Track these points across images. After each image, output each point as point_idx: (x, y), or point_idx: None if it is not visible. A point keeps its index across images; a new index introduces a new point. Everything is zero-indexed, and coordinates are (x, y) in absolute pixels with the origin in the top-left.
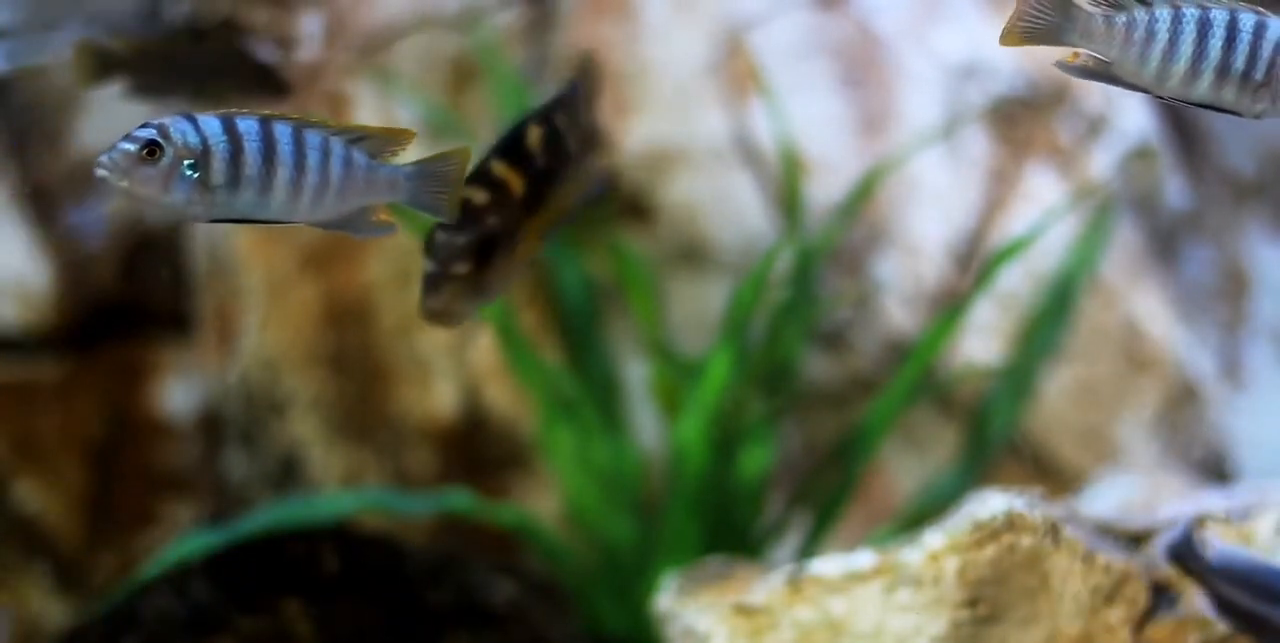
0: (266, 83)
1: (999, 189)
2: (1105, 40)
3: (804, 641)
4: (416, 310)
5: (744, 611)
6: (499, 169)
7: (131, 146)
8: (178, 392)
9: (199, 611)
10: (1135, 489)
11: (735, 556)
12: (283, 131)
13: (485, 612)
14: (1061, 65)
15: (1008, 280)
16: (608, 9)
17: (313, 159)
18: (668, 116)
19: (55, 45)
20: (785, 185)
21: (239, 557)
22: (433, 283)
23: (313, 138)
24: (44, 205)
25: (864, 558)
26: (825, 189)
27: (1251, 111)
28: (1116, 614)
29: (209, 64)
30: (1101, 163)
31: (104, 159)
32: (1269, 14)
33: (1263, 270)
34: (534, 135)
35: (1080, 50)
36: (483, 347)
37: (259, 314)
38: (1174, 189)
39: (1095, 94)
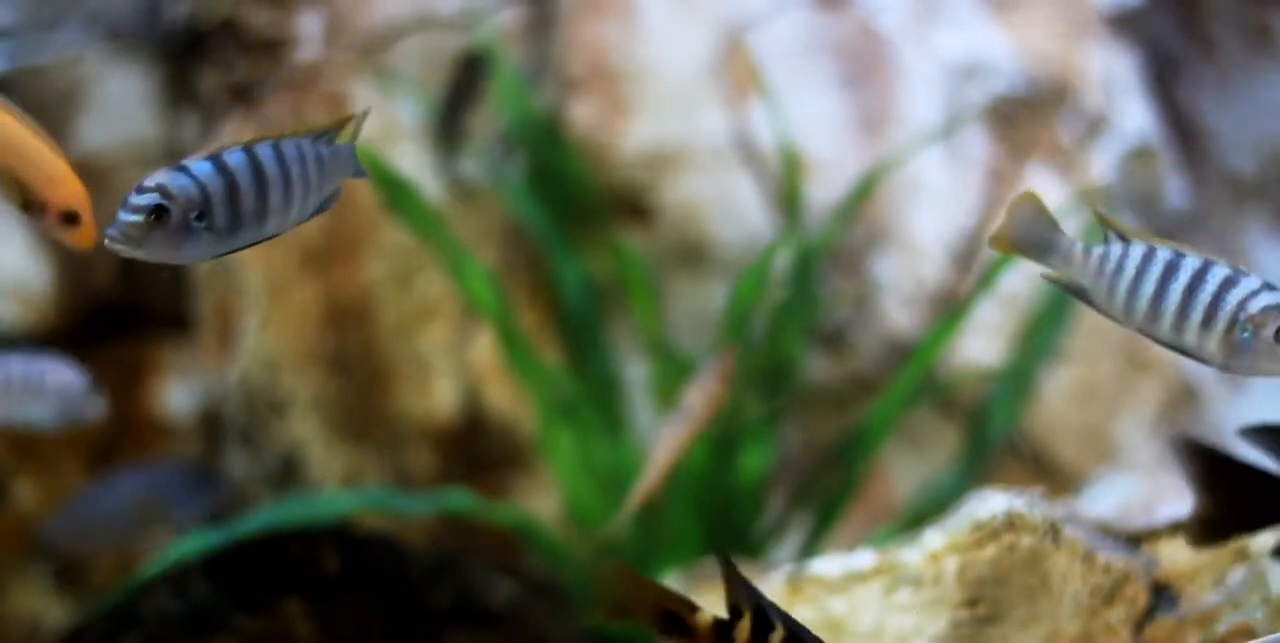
0: None
1: (999, 189)
2: (1081, 268)
3: None
4: None
5: None
6: None
7: (139, 217)
8: (178, 392)
9: (199, 611)
10: (1135, 489)
11: (735, 556)
12: (265, 154)
13: (485, 612)
14: (1047, 276)
15: (1008, 281)
16: (607, 9)
17: (295, 171)
18: (668, 116)
19: (55, 45)
20: (785, 185)
21: (239, 557)
22: None
23: (290, 150)
24: None
25: (864, 558)
26: (825, 189)
27: (1215, 362)
28: (1116, 614)
29: None
30: (1101, 163)
31: (113, 232)
32: (1244, 271)
33: (1263, 270)
34: None
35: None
36: (483, 347)
37: (259, 314)
38: (1174, 189)
39: (1095, 94)
